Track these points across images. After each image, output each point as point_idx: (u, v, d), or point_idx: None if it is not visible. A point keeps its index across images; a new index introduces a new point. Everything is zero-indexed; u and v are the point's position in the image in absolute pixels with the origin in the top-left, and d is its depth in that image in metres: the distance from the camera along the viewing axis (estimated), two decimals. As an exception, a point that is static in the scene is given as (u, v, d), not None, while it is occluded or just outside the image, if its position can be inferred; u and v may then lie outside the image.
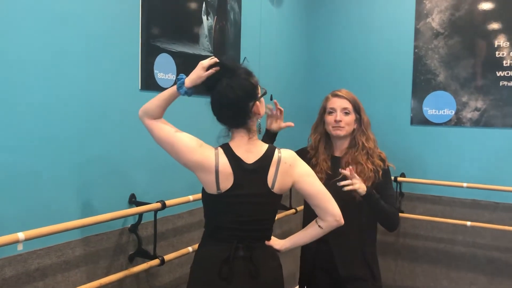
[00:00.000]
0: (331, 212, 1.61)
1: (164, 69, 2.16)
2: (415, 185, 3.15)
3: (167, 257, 2.08)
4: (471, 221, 2.94)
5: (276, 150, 1.62)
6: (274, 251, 1.68)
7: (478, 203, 2.99)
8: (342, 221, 1.63)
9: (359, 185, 1.87)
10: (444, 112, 3.08)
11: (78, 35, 1.78)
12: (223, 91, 1.54)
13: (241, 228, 1.59)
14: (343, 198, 1.93)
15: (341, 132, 2.02)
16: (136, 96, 2.03)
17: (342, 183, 1.86)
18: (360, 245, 2.02)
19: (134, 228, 2.03)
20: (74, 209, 1.80)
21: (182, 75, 1.59)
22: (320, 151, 2.08)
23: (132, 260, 2.04)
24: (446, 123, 3.08)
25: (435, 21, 3.08)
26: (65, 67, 1.74)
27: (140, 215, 2.01)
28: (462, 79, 3.01)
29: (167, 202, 2.02)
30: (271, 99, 2.98)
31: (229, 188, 1.55)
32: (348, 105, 2.03)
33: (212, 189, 1.56)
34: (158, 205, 1.98)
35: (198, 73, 1.57)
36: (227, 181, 1.55)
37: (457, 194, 3.04)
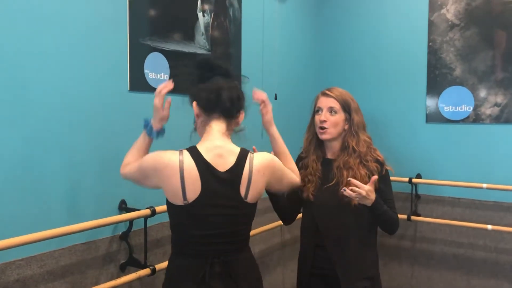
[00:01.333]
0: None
1: (156, 69, 2.06)
2: (432, 186, 2.97)
3: (160, 265, 1.98)
4: (493, 224, 2.75)
5: (248, 157, 1.48)
6: (252, 261, 1.56)
7: (500, 205, 2.80)
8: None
9: (364, 196, 1.72)
10: (461, 108, 2.90)
11: (60, 33, 1.70)
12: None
13: (214, 242, 1.45)
14: (339, 202, 1.80)
15: (327, 136, 1.88)
16: (125, 97, 1.94)
17: (346, 192, 1.72)
18: (360, 249, 1.88)
19: (125, 236, 1.94)
20: (59, 216, 1.71)
21: (146, 120, 1.60)
22: (310, 152, 1.95)
23: (124, 269, 1.95)
24: (464, 120, 2.89)
25: (450, 12, 2.90)
26: (48, 68, 1.66)
27: (131, 222, 1.92)
28: (481, 73, 2.83)
29: (158, 209, 1.92)
30: (276, 98, 2.87)
31: (197, 198, 1.40)
32: (335, 104, 1.88)
33: (177, 199, 1.41)
34: (148, 211, 1.89)
35: (159, 114, 1.57)
36: (194, 188, 1.40)
37: (477, 196, 2.85)
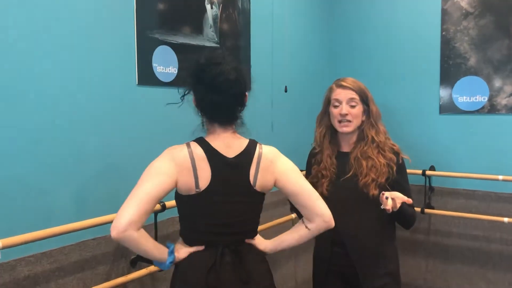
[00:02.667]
0: (319, 212, 1.47)
1: (164, 62, 2.04)
2: (446, 178, 2.91)
3: (171, 261, 1.97)
4: (509, 217, 2.68)
5: (258, 145, 1.49)
6: (262, 254, 1.55)
7: (516, 197, 2.74)
8: (332, 223, 1.48)
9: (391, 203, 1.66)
10: (476, 99, 2.83)
11: (66, 27, 1.67)
12: (222, 72, 1.38)
13: (224, 232, 1.45)
14: (356, 196, 1.76)
15: (349, 128, 1.84)
16: (133, 92, 1.92)
17: (386, 207, 1.65)
18: (379, 244, 1.84)
19: (135, 231, 1.92)
20: (68, 212, 1.70)
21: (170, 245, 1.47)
22: (325, 146, 1.91)
23: (134, 265, 1.94)
24: (479, 111, 2.82)
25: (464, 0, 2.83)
26: (53, 62, 1.64)
27: (141, 217, 1.90)
28: (496, 62, 2.75)
29: (168, 203, 1.90)
30: (286, 90, 2.84)
31: (208, 186, 1.41)
32: (355, 96, 1.83)
33: (190, 189, 1.42)
34: (158, 206, 1.86)
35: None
36: (205, 176, 1.40)
37: (493, 188, 2.79)
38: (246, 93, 1.48)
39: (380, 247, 1.84)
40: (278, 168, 1.48)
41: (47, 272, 1.64)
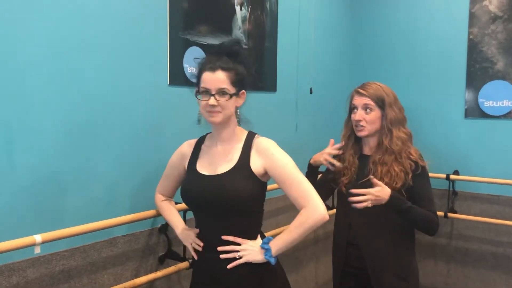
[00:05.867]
0: None
1: (194, 63, 2.06)
2: (470, 183, 2.90)
3: (198, 259, 1.99)
4: (535, 223, 2.66)
5: None
6: None
7: (542, 203, 2.71)
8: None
9: (374, 198, 1.68)
10: (502, 103, 2.81)
11: (101, 28, 1.71)
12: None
13: None
14: None
15: (362, 133, 1.87)
16: (165, 92, 1.95)
17: (352, 199, 1.70)
18: (393, 249, 1.83)
19: (164, 229, 1.95)
20: (101, 209, 1.74)
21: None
22: (348, 147, 1.94)
23: (162, 262, 1.97)
24: (505, 116, 2.80)
25: (493, 3, 2.80)
26: (89, 62, 1.68)
27: (170, 215, 1.94)
28: (524, 67, 2.73)
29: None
30: (311, 92, 2.85)
31: None
32: (369, 102, 1.84)
33: None
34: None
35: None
36: None
37: (518, 194, 2.77)
38: None
39: (394, 251, 1.83)
40: None
41: (80, 266, 1.68)
